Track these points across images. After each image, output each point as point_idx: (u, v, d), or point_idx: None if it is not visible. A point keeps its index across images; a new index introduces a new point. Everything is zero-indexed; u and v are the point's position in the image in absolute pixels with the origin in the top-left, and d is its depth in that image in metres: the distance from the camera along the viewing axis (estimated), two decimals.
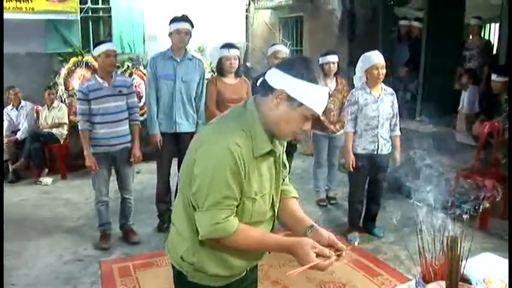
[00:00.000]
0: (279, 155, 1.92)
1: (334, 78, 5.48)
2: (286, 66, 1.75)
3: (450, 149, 5.40)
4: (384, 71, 4.41)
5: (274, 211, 1.97)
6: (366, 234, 4.83)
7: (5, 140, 6.90)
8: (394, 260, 4.32)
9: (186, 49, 4.86)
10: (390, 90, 4.59)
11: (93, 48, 4.54)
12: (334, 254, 1.76)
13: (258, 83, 1.85)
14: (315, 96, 1.72)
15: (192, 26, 4.74)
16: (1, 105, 3.46)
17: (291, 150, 5.33)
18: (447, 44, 6.46)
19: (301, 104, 1.71)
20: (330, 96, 5.58)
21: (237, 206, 1.80)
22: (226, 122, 1.81)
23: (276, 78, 1.74)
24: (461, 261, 1.78)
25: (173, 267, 1.98)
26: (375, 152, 4.54)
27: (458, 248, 1.77)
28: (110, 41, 4.70)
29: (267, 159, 1.84)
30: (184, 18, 4.70)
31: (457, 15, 6.84)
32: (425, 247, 1.86)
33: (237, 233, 1.76)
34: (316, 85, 1.71)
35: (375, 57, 4.40)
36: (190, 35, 4.77)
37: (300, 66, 1.73)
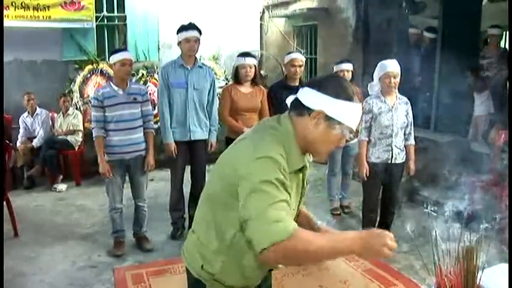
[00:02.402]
0: (306, 171, 1.92)
1: None
2: (320, 85, 1.76)
3: (465, 158, 5.35)
4: (398, 80, 4.39)
5: None
6: None
7: (21, 146, 6.98)
8: (409, 270, 4.27)
9: (195, 57, 4.88)
10: (405, 99, 4.56)
11: (110, 56, 4.57)
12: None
13: (288, 101, 1.85)
14: (352, 113, 1.75)
15: (200, 33, 4.75)
16: (1, 107, 3.51)
17: None
18: (463, 52, 6.41)
19: (339, 123, 1.73)
20: None
21: None
22: (264, 136, 1.76)
23: (312, 98, 1.75)
24: (478, 272, 1.76)
25: (190, 274, 1.96)
26: (389, 161, 4.52)
27: (475, 259, 1.75)
28: (126, 49, 4.74)
29: (297, 175, 1.84)
30: (192, 26, 4.71)
31: (472, 23, 6.80)
32: (440, 257, 1.85)
33: (296, 233, 1.60)
34: (352, 103, 1.74)
35: (389, 66, 4.38)
36: (199, 42, 4.79)
37: (335, 85, 1.75)
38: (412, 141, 4.59)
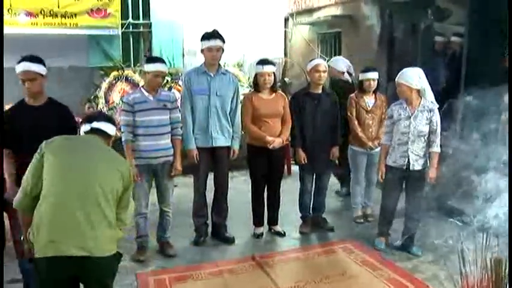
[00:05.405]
0: None
1: (374, 94, 5.44)
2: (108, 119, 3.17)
3: (492, 166, 5.26)
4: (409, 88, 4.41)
5: None
6: (404, 253, 4.73)
7: None
8: (433, 280, 4.21)
9: (219, 64, 4.89)
10: (430, 106, 4.49)
11: (145, 62, 4.58)
12: None
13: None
14: None
15: (224, 42, 4.74)
16: (1, 107, 3.60)
17: (328, 166, 5.30)
18: (489, 59, 6.31)
19: None
20: (368, 112, 5.57)
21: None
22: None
23: (111, 127, 3.12)
24: (506, 283, 1.73)
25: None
26: (405, 167, 4.50)
27: (503, 270, 1.72)
28: (163, 60, 4.73)
29: None
30: (215, 35, 4.69)
31: (500, 29, 6.69)
32: (466, 268, 1.82)
33: None
34: None
35: (402, 75, 4.46)
36: (223, 51, 4.78)
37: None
38: (435, 149, 4.51)
